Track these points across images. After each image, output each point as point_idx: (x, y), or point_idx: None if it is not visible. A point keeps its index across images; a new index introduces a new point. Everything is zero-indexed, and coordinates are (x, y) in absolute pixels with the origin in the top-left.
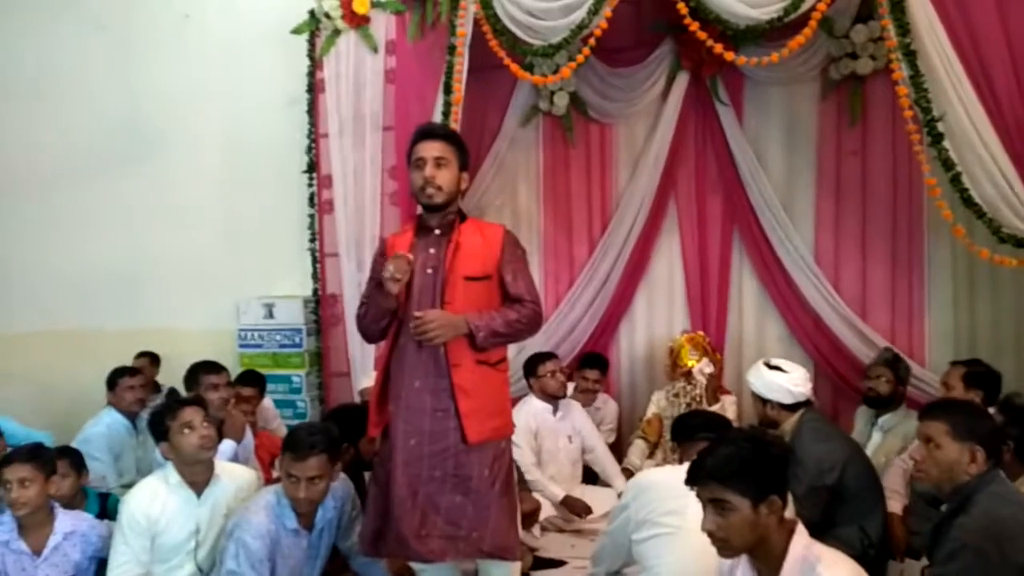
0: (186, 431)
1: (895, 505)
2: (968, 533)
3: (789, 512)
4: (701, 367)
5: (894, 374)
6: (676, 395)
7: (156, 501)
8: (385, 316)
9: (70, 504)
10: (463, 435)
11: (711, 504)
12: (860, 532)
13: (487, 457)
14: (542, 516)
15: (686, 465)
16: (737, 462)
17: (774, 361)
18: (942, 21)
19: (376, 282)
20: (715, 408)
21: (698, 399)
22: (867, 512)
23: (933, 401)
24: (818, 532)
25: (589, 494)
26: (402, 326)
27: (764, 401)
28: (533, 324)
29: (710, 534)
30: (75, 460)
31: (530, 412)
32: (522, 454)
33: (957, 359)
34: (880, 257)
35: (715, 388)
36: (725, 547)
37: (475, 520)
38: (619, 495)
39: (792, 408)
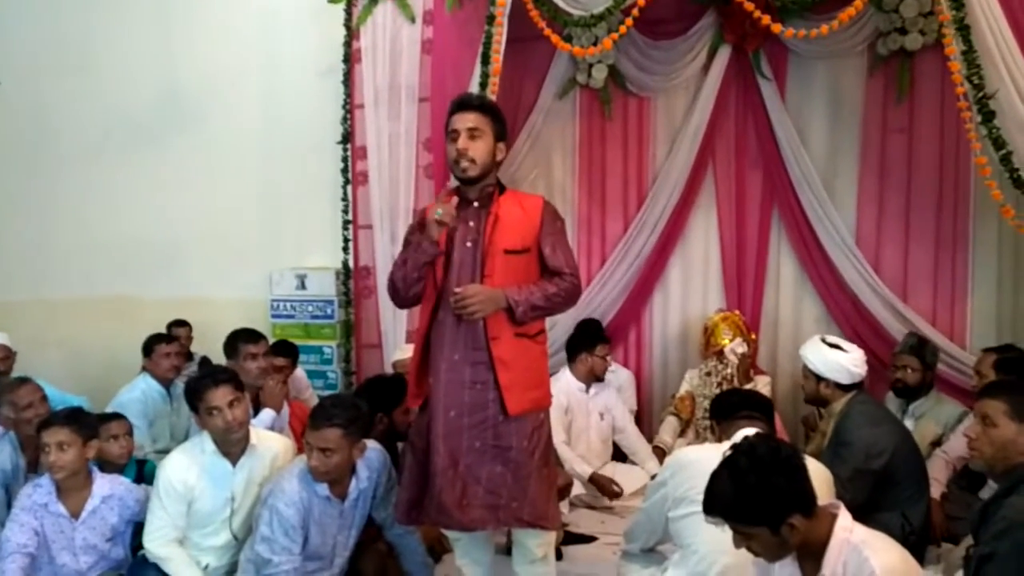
0: (213, 413)
1: (934, 491)
2: (1020, 513)
3: (830, 497)
4: (733, 347)
5: (920, 361)
6: (708, 374)
7: (192, 468)
8: (421, 272)
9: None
10: (503, 407)
11: (733, 531)
12: (902, 519)
13: (526, 428)
14: (572, 493)
15: (725, 444)
16: (741, 501)
17: (831, 339)
18: None
19: (418, 223)
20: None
21: (729, 378)
22: (911, 499)
23: (994, 380)
24: (859, 515)
25: (621, 472)
26: (441, 300)
27: (819, 379)
28: (572, 297)
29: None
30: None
31: (562, 388)
32: (552, 431)
33: (1000, 342)
34: (923, 237)
35: (747, 368)
36: (763, 559)
37: (515, 490)
38: (652, 478)
39: (846, 388)
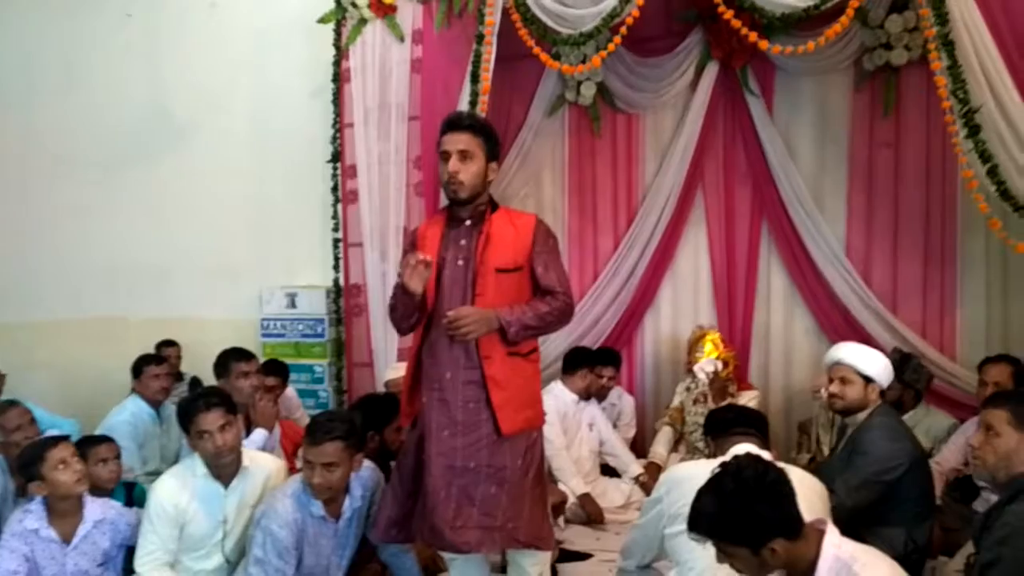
0: (204, 437)
1: None
2: (1022, 520)
3: (824, 511)
4: (702, 366)
5: (898, 380)
6: (687, 389)
7: (184, 491)
8: (414, 312)
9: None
10: (496, 426)
11: (716, 547)
12: (906, 537)
13: (520, 448)
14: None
15: (719, 460)
16: (723, 522)
17: None
18: (980, 11)
19: (410, 243)
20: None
21: (703, 397)
22: (918, 517)
23: (998, 391)
24: (864, 528)
25: (612, 487)
26: (433, 319)
27: (868, 381)
28: (564, 316)
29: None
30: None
31: (557, 397)
32: (553, 436)
33: (989, 354)
34: (912, 250)
35: (722, 386)
36: None
37: (510, 511)
38: (636, 477)
39: (882, 394)
